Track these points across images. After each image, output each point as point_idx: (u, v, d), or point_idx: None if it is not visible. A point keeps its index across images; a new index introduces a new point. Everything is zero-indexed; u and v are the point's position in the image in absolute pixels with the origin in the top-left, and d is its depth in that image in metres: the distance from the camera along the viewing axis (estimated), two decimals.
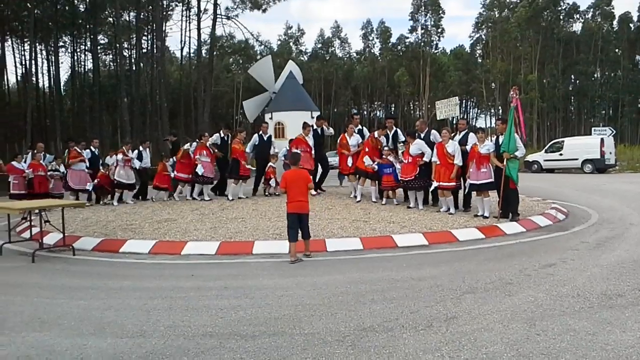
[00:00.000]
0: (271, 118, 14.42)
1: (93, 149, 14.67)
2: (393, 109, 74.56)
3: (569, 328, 4.27)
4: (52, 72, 41.10)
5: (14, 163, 13.75)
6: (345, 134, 12.42)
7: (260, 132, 13.37)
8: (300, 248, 7.38)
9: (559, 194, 14.98)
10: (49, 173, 13.57)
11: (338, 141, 12.87)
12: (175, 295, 5.59)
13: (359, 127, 12.82)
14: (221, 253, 7.85)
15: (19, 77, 45.60)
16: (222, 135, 13.58)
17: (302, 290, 5.66)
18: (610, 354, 3.76)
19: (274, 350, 3.98)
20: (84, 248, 8.42)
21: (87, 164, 13.59)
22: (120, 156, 13.07)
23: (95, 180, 13.28)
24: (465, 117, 63.92)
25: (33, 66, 40.12)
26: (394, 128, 11.88)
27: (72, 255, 8.01)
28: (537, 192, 15.21)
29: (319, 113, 14.72)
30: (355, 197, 11.92)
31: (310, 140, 12.52)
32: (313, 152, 12.54)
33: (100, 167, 13.66)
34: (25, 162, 13.82)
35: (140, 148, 14.16)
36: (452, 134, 10.74)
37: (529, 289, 5.49)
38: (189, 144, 13.50)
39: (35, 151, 14.06)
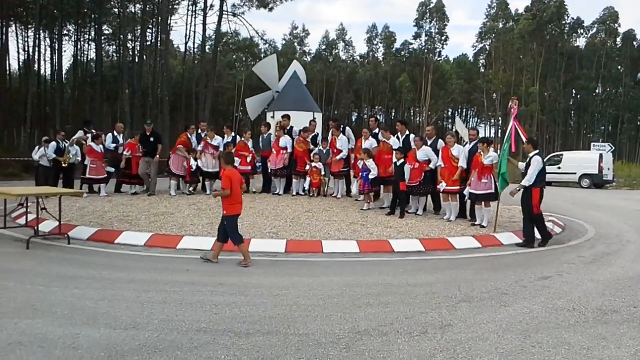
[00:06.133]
0: (273, 117, 14.40)
1: (200, 132, 13.66)
2: (394, 114, 74.60)
3: (563, 341, 4.26)
4: (54, 60, 40.84)
5: (92, 145, 12.61)
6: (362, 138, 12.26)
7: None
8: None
9: (555, 207, 14.97)
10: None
11: (354, 145, 12.65)
12: (169, 289, 5.56)
13: (376, 130, 12.52)
14: None
15: (20, 64, 45.40)
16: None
17: (297, 290, 5.64)
18: None
19: (267, 349, 3.96)
20: (79, 237, 8.35)
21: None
22: (203, 144, 12.72)
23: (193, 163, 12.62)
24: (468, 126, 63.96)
25: (36, 53, 40.02)
26: (406, 132, 11.79)
27: (67, 244, 7.96)
28: None
29: (320, 113, 14.71)
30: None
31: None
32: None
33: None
34: (103, 144, 12.94)
35: (225, 135, 13.50)
36: (464, 143, 10.72)
37: (524, 300, 5.49)
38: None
39: (115, 132, 13.61)
